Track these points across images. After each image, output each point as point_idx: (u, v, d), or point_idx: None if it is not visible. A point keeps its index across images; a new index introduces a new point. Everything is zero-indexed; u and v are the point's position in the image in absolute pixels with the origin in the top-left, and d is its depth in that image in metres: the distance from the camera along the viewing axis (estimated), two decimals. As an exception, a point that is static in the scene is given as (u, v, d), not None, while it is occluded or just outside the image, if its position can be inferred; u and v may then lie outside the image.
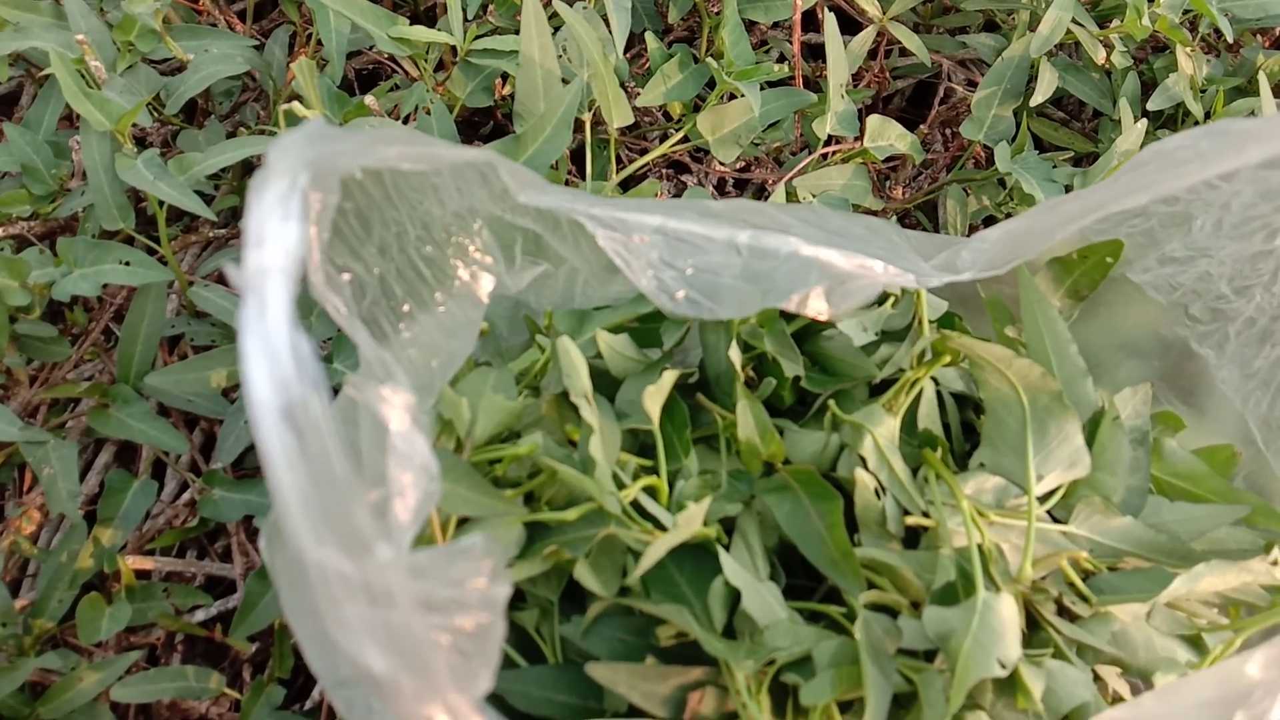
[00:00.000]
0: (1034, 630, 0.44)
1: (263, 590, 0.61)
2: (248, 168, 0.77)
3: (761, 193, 0.83)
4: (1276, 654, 0.36)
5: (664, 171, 0.83)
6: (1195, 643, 0.45)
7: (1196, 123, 0.80)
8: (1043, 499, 0.46)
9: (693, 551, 0.43)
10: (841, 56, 0.74)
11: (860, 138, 0.76)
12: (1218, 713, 0.36)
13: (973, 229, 0.79)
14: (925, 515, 0.45)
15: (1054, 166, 0.73)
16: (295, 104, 0.65)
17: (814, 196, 0.74)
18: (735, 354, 0.47)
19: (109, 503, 0.65)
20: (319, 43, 0.78)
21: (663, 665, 0.41)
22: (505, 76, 0.75)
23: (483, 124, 0.85)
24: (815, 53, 0.92)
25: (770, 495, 0.45)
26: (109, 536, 0.64)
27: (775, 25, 0.90)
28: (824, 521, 0.44)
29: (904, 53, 0.90)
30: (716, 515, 0.44)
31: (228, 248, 0.76)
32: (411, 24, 0.70)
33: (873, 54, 0.87)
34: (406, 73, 0.80)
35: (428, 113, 0.69)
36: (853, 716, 0.40)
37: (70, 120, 0.78)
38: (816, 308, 0.41)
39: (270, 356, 0.28)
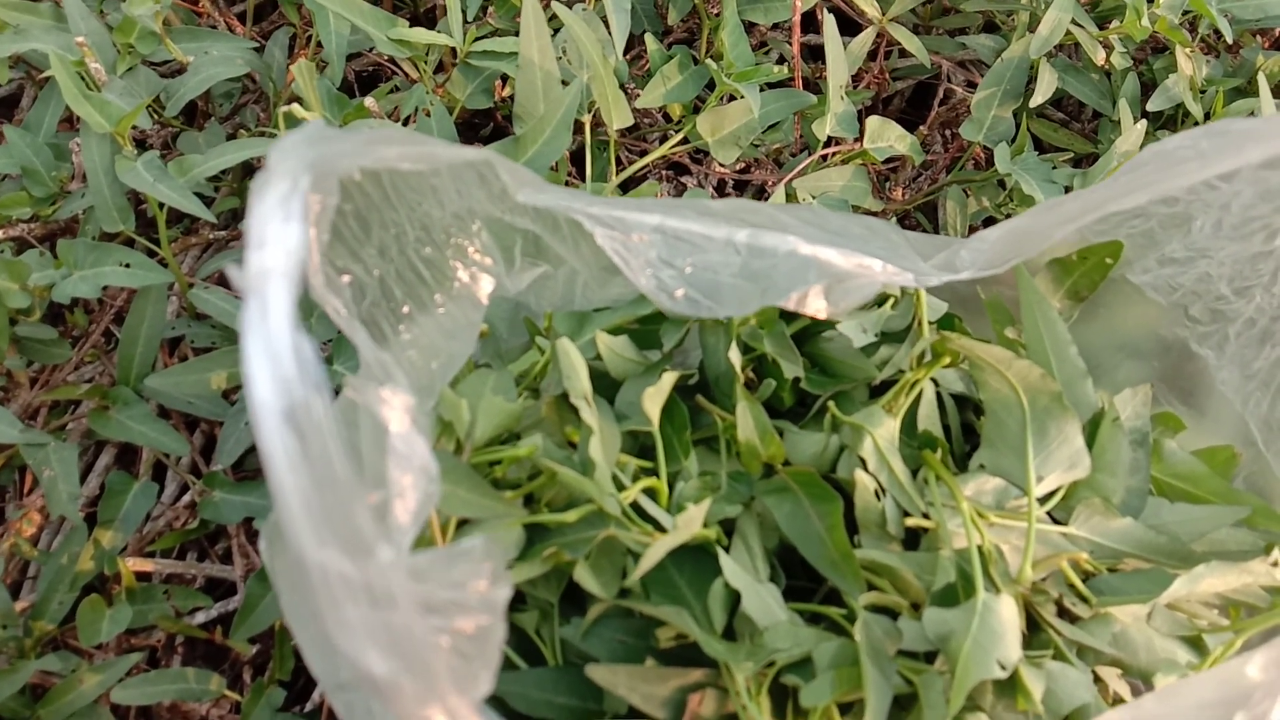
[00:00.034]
0: (1034, 631, 0.44)
1: (263, 592, 0.61)
2: (248, 170, 0.77)
3: (761, 194, 0.83)
4: (1277, 655, 0.36)
5: (664, 173, 0.83)
6: (1196, 644, 0.45)
7: (1196, 123, 0.80)
8: (1043, 500, 0.46)
9: (692, 553, 0.43)
10: (841, 58, 0.74)
11: (860, 139, 0.76)
12: (1218, 714, 0.36)
13: (972, 230, 0.79)
14: (925, 516, 0.45)
15: (1054, 167, 0.73)
16: (295, 106, 0.65)
17: (814, 198, 0.74)
18: (735, 355, 0.47)
19: (109, 505, 0.65)
20: (319, 45, 0.78)
21: (662, 667, 0.41)
22: (505, 78, 0.75)
23: (483, 126, 0.85)
24: (815, 54, 0.92)
25: (770, 497, 0.45)
26: (109, 538, 0.64)
27: (775, 27, 0.90)
28: (824, 523, 0.44)
29: (903, 54, 0.90)
30: (716, 517, 0.44)
31: (228, 250, 0.76)
32: (411, 26, 0.70)
33: (872, 55, 0.87)
34: (406, 75, 0.80)
35: (427, 114, 0.69)
36: (853, 718, 0.40)
37: (70, 122, 0.78)
38: (815, 306, 0.41)
39: (272, 358, 0.28)
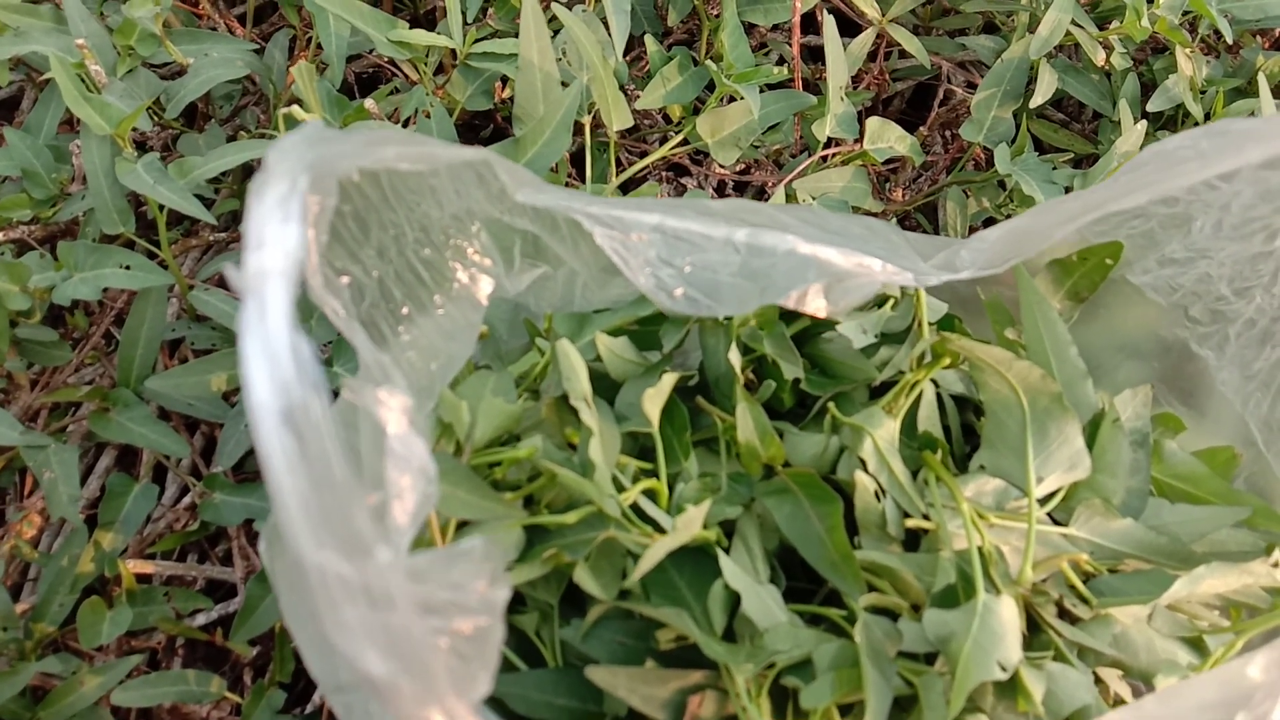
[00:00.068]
0: (1034, 633, 0.44)
1: (263, 594, 0.61)
2: (248, 171, 0.77)
3: (761, 195, 0.83)
4: (1278, 656, 0.36)
5: (664, 174, 0.83)
6: (1196, 645, 0.45)
7: (1196, 124, 0.80)
8: (1043, 501, 0.45)
9: (692, 554, 0.43)
10: (841, 59, 0.74)
11: (860, 140, 0.76)
12: (1219, 715, 0.36)
13: (973, 231, 0.79)
14: (925, 518, 0.45)
15: (1054, 168, 0.73)
16: (295, 108, 0.65)
17: (814, 199, 0.74)
18: (735, 356, 0.47)
19: (110, 507, 0.65)
20: (319, 46, 0.78)
21: (662, 669, 0.41)
22: (505, 80, 0.75)
23: (483, 127, 0.85)
24: (815, 55, 0.92)
25: (770, 498, 0.45)
26: (110, 540, 0.64)
27: (775, 28, 0.90)
28: (824, 524, 0.44)
29: (903, 55, 0.90)
30: (716, 518, 0.44)
31: (228, 251, 0.76)
32: (411, 27, 0.70)
33: (872, 56, 0.87)
34: (406, 76, 0.80)
35: (427, 116, 0.69)
36: (853, 719, 0.40)
37: (71, 124, 0.78)
38: (814, 305, 0.41)
39: (270, 359, 0.27)
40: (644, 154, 0.81)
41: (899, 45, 0.83)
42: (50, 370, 0.71)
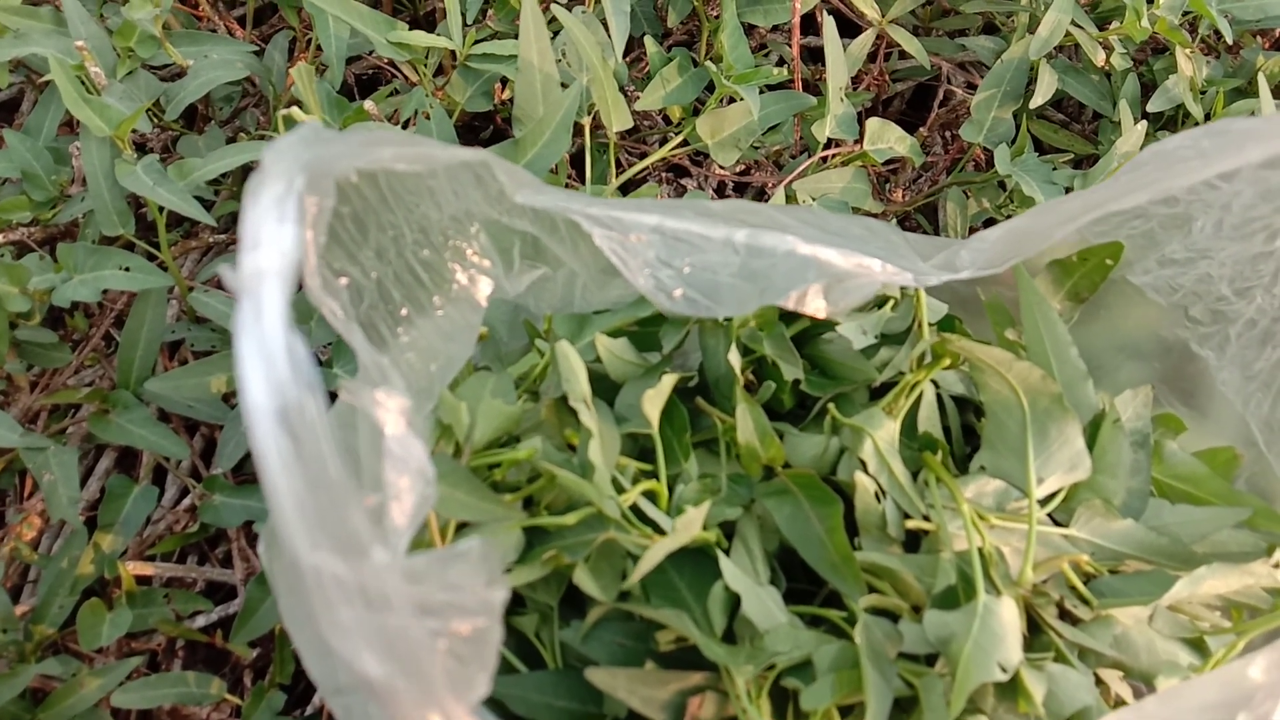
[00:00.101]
0: (1035, 634, 0.44)
1: (263, 596, 0.61)
2: (248, 173, 0.77)
3: (761, 196, 0.82)
4: (1279, 657, 0.36)
5: (664, 175, 0.83)
6: (1197, 646, 0.45)
7: (1196, 124, 0.80)
8: (1043, 502, 0.45)
9: (692, 556, 0.43)
10: (841, 59, 0.74)
11: (860, 141, 0.76)
12: (1220, 716, 0.36)
13: (973, 231, 0.79)
14: (925, 519, 0.45)
15: (1054, 169, 0.73)
16: (295, 109, 0.65)
17: (814, 200, 0.74)
18: (735, 357, 0.47)
19: (109, 508, 0.65)
20: (318, 48, 0.78)
21: (662, 670, 0.41)
22: (505, 81, 0.75)
23: (482, 128, 0.85)
24: (814, 56, 0.92)
25: (770, 499, 0.45)
26: (110, 542, 0.64)
27: (774, 28, 0.90)
28: (824, 525, 0.44)
29: (903, 55, 0.90)
30: (716, 519, 0.44)
31: (228, 253, 0.76)
32: (411, 29, 0.70)
33: (872, 57, 0.87)
34: (406, 78, 0.80)
35: (427, 117, 0.69)
36: (853, 721, 0.40)
37: (70, 126, 0.78)
38: (814, 306, 0.41)
39: (265, 359, 0.27)
40: (644, 155, 0.81)
41: (899, 46, 0.83)
42: (50, 372, 0.71)
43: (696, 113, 0.74)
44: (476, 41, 0.72)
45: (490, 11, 0.77)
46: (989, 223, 0.80)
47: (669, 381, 0.46)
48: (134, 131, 0.68)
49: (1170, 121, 0.84)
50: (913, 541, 0.46)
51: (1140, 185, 0.41)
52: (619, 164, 0.80)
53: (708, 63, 0.72)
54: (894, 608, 0.43)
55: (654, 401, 0.45)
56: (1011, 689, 0.40)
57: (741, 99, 0.70)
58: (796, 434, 0.48)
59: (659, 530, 0.42)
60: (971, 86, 0.89)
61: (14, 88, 0.84)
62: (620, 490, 0.43)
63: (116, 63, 0.70)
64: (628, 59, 0.85)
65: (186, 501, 0.68)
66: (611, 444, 0.45)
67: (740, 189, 0.84)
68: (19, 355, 0.67)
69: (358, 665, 0.27)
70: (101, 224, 0.65)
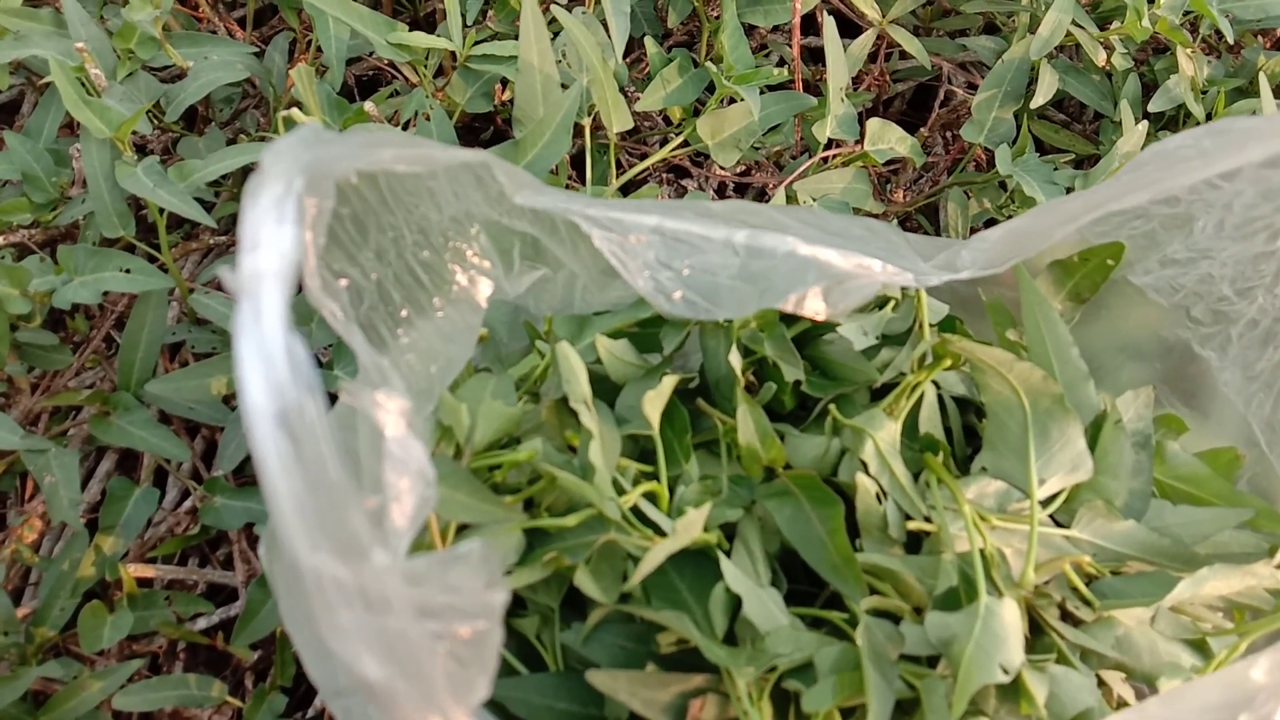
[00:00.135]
0: (1037, 635, 0.44)
1: (264, 598, 0.61)
2: (248, 175, 0.77)
3: (762, 197, 0.82)
4: (1281, 658, 0.36)
5: (664, 176, 0.83)
6: (1200, 647, 0.45)
7: (1198, 124, 0.80)
8: (1045, 503, 0.45)
9: (693, 557, 0.43)
10: (841, 60, 0.74)
11: (860, 141, 0.76)
12: (1222, 717, 0.36)
13: (974, 232, 0.79)
14: (927, 520, 0.45)
15: (1055, 169, 0.73)
16: (295, 110, 0.65)
17: (814, 200, 0.74)
18: (735, 358, 0.47)
19: (110, 511, 0.65)
20: (318, 49, 0.78)
21: (663, 672, 0.41)
22: (505, 82, 0.75)
23: (483, 129, 0.85)
24: (815, 56, 0.91)
25: (771, 500, 0.45)
26: (111, 544, 0.64)
27: (775, 29, 0.90)
28: (825, 527, 0.44)
29: (904, 56, 0.90)
30: (717, 521, 0.44)
31: (228, 254, 0.76)
32: (411, 30, 0.70)
33: (872, 57, 0.87)
34: (406, 79, 0.80)
35: (427, 119, 0.69)
36: (854, 722, 0.40)
37: (71, 128, 0.78)
38: (814, 307, 0.41)
39: (265, 361, 0.27)
40: (644, 156, 0.81)
41: (899, 46, 0.83)
42: (51, 374, 0.70)
43: (697, 113, 0.74)
44: (476, 42, 0.72)
45: (490, 12, 0.77)
46: (990, 223, 0.80)
47: (669, 383, 0.46)
48: (134, 133, 0.68)
49: (1171, 121, 0.84)
50: (914, 543, 0.45)
51: (1141, 185, 0.41)
52: (619, 165, 0.80)
53: (708, 63, 0.72)
54: (895, 609, 0.43)
55: (654, 403, 0.45)
56: (1013, 691, 0.40)
57: (742, 99, 0.70)
58: (797, 435, 0.48)
59: (660, 532, 0.42)
60: (972, 87, 0.89)
61: (14, 90, 0.84)
62: (621, 492, 0.43)
63: (117, 64, 0.70)
64: (628, 60, 0.85)
65: (187, 504, 0.68)
66: (612, 445, 0.45)
67: (741, 190, 0.84)
68: (20, 357, 0.67)
69: (358, 667, 0.27)
70: (102, 226, 0.65)
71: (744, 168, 0.82)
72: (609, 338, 0.50)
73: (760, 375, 0.50)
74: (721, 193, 0.83)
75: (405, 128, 0.70)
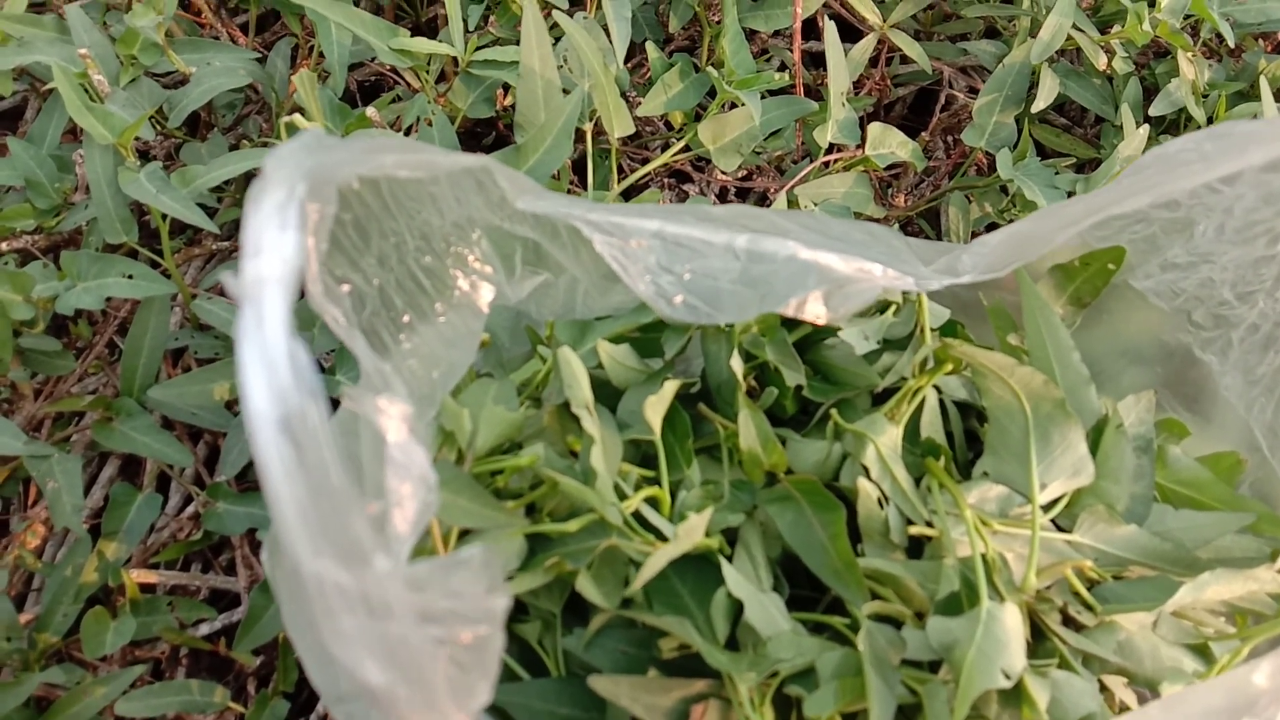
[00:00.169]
0: (1039, 640, 0.44)
1: (267, 603, 0.61)
2: (250, 180, 0.77)
3: (763, 201, 0.82)
4: (1284, 662, 0.36)
5: (666, 181, 0.83)
6: (1202, 652, 0.45)
7: (1199, 128, 0.80)
8: (1046, 507, 0.45)
9: (695, 563, 0.43)
10: (842, 64, 0.74)
11: (862, 145, 0.76)
12: (1225, 722, 0.36)
13: (975, 236, 0.79)
14: (928, 525, 0.45)
15: (1056, 173, 0.73)
16: (297, 116, 0.65)
17: (816, 205, 0.74)
18: (737, 363, 0.47)
19: (113, 516, 0.65)
20: (321, 55, 0.78)
21: (665, 678, 0.41)
22: (507, 87, 0.75)
23: (485, 135, 0.86)
24: (816, 61, 0.92)
25: (773, 505, 0.45)
26: (113, 550, 0.64)
27: (776, 34, 0.90)
28: (827, 532, 0.44)
29: (905, 60, 0.90)
30: (719, 526, 0.44)
31: (231, 260, 0.76)
32: (413, 35, 0.70)
33: (873, 62, 0.87)
34: (408, 84, 0.80)
35: (429, 124, 0.69)
36: (856, 727, 0.40)
37: (74, 134, 0.78)
38: (815, 311, 0.41)
39: (268, 366, 0.27)
40: (646, 161, 0.81)
41: (900, 51, 0.83)
42: (54, 380, 0.71)
43: (698, 118, 0.74)
44: (478, 48, 0.72)
45: (492, 18, 0.77)
46: (991, 227, 0.80)
47: (671, 388, 0.46)
48: (137, 139, 0.68)
49: (1173, 125, 0.84)
50: (916, 547, 0.45)
51: (1142, 189, 0.41)
52: (621, 170, 0.80)
53: (709, 68, 0.72)
54: (897, 614, 0.43)
55: (656, 408, 0.45)
56: (1015, 696, 0.40)
57: (743, 104, 0.70)
58: (799, 440, 0.48)
59: (661, 537, 0.42)
60: (973, 91, 0.89)
61: (18, 96, 0.84)
62: (623, 497, 0.43)
63: (119, 70, 0.70)
64: (629, 65, 0.85)
65: (190, 509, 0.68)
66: (614, 450, 0.45)
67: (742, 194, 0.84)
68: (23, 363, 0.67)
69: (359, 673, 0.27)
70: (105, 231, 0.66)
71: (745, 172, 0.82)
72: (610, 343, 0.50)
73: (762, 380, 0.50)
74: (723, 197, 0.83)
75: (407, 133, 0.70)
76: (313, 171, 0.32)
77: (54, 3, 0.81)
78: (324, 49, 0.72)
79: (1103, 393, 0.48)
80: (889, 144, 0.76)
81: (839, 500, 0.44)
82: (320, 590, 0.26)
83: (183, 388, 0.66)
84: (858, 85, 0.87)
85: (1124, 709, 0.44)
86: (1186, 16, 0.80)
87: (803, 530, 0.44)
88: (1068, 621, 0.44)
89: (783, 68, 0.88)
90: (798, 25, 0.78)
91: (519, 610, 0.45)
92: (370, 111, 0.69)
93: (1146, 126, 0.76)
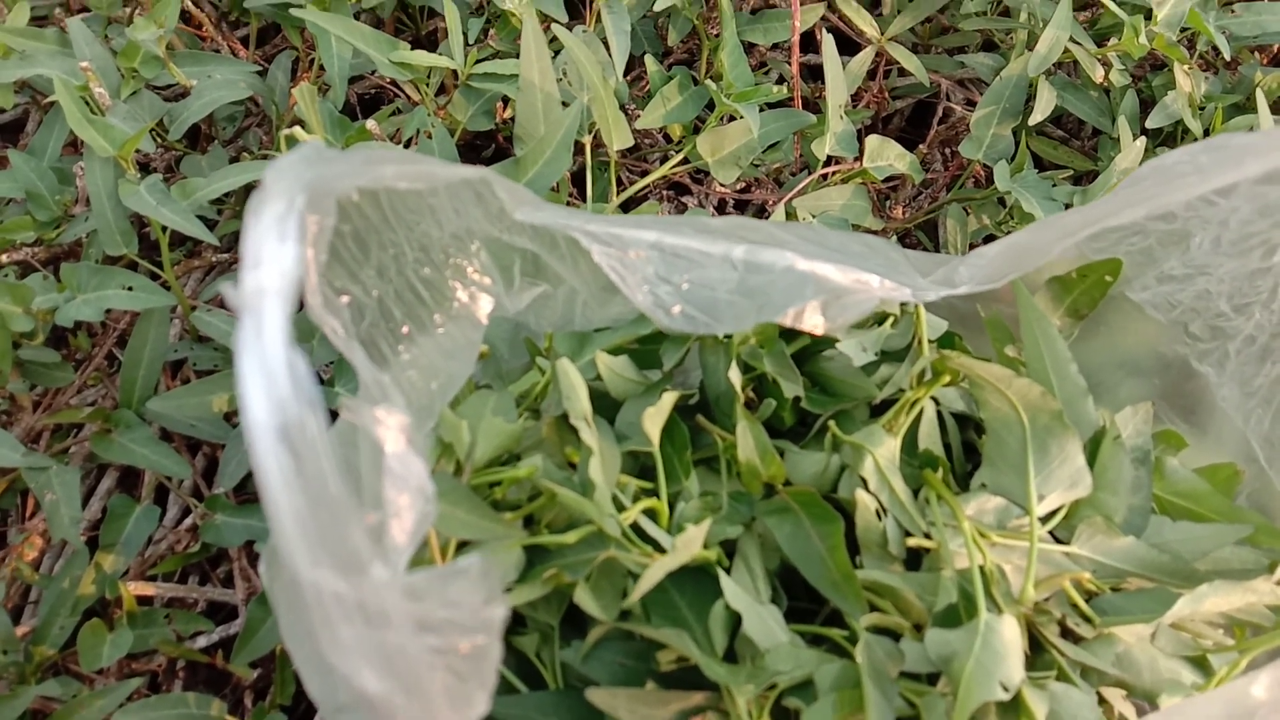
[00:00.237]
0: (1037, 652, 0.44)
1: (264, 616, 0.61)
2: (250, 192, 0.77)
3: (762, 213, 0.83)
4: (1282, 674, 0.36)
5: (665, 193, 0.83)
6: (1200, 664, 0.45)
7: (1196, 140, 0.80)
8: (1044, 519, 0.45)
9: (693, 574, 0.43)
10: (840, 77, 0.75)
11: (860, 158, 0.76)
12: (1224, 734, 0.35)
13: (973, 248, 0.79)
14: (927, 536, 0.45)
15: (1053, 185, 0.73)
16: (297, 129, 0.65)
17: (814, 217, 0.74)
18: (735, 375, 0.47)
19: (111, 528, 0.65)
20: (321, 68, 0.78)
21: (663, 690, 0.41)
22: (506, 100, 0.75)
23: (484, 147, 0.86)
24: (814, 74, 0.92)
25: (771, 517, 0.45)
26: (111, 562, 0.64)
27: (774, 47, 0.90)
28: (825, 543, 0.44)
29: (903, 73, 0.90)
30: (717, 537, 0.44)
31: (230, 272, 0.76)
32: (413, 49, 0.70)
33: (871, 74, 0.87)
34: (408, 97, 0.80)
35: (429, 137, 0.69)
36: (855, 739, 0.40)
37: (75, 146, 0.78)
38: (812, 322, 0.41)
39: (267, 376, 0.27)
40: (645, 173, 0.81)
41: (898, 63, 0.84)
42: (53, 391, 0.71)
43: (697, 131, 0.74)
44: (478, 61, 0.72)
45: (492, 31, 0.77)
46: (989, 239, 0.80)
47: (669, 399, 0.46)
48: (137, 151, 0.68)
49: (1169, 137, 0.84)
50: (914, 559, 0.45)
51: (1138, 200, 0.41)
52: (620, 182, 0.80)
53: (708, 81, 0.73)
54: (895, 626, 0.43)
55: (654, 419, 0.45)
56: (1014, 708, 0.40)
57: (741, 117, 0.70)
58: (797, 451, 0.48)
59: (659, 549, 0.42)
60: (971, 103, 0.90)
61: (19, 108, 0.85)
62: (621, 508, 0.43)
63: (120, 83, 0.71)
64: (628, 78, 0.85)
65: (188, 521, 0.68)
66: (612, 462, 0.45)
67: (741, 206, 0.84)
68: (22, 375, 0.67)
69: (357, 682, 0.27)
70: (105, 243, 0.66)
71: (744, 185, 0.82)
72: (609, 354, 0.50)
73: (760, 391, 0.50)
74: (721, 209, 0.83)
75: (407, 146, 0.71)
76: (312, 183, 0.32)
77: (55, 16, 0.81)
78: (324, 62, 0.72)
79: (1100, 404, 0.48)
80: (887, 156, 0.76)
81: (837, 512, 0.44)
82: (318, 599, 0.26)
83: (181, 399, 0.66)
84: (856, 98, 0.87)
85: (1123, 721, 0.44)
86: (1183, 30, 0.80)
87: (801, 542, 0.44)
88: (1066, 633, 0.44)
89: (781, 81, 0.88)
90: (796, 38, 0.79)
91: (517, 622, 0.45)
92: (370, 124, 0.69)
93: (1143, 139, 0.76)
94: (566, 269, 0.49)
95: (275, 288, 0.28)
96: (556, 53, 0.72)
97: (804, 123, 0.76)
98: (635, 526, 0.43)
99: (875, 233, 0.79)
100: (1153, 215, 0.45)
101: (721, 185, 0.80)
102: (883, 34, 0.83)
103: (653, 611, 0.42)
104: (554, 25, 0.70)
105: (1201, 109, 0.82)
